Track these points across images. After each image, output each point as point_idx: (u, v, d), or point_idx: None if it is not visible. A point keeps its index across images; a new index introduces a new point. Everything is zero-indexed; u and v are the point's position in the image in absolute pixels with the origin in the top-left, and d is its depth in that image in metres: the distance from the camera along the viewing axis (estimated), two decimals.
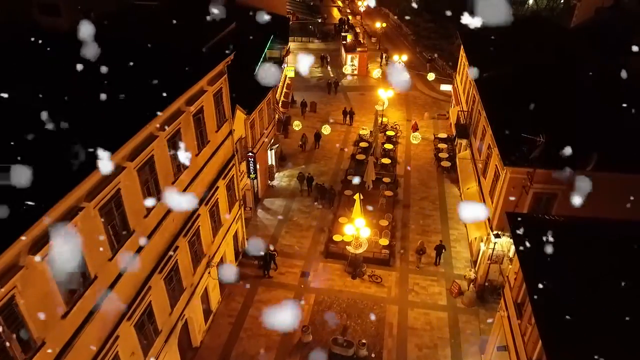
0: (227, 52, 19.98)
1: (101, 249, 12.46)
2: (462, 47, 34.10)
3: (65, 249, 10.87)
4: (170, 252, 16.22)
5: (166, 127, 15.20)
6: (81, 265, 11.71)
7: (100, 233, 12.36)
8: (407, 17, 60.78)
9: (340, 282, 23.47)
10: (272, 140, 30.67)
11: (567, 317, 11.94)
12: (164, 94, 15.03)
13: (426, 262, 24.73)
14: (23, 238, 9.48)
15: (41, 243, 10.13)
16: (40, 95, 13.01)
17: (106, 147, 11.84)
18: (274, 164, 31.54)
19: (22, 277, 9.71)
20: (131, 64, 16.12)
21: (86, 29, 14.12)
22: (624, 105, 20.41)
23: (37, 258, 10.00)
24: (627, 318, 11.91)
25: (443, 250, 24.61)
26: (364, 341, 19.84)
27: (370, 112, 40.83)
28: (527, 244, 14.42)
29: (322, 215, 28.19)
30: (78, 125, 11.85)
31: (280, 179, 31.67)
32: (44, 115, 11.45)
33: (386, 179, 30.67)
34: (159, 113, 14.34)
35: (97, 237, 12.28)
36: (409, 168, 32.82)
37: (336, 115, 39.92)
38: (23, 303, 9.89)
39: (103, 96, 12.96)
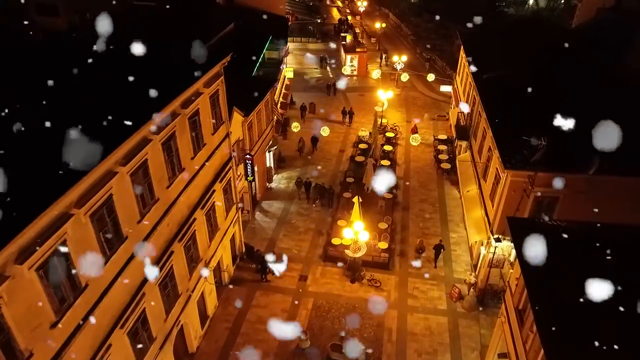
0: (224, 53, 19.73)
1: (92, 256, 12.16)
2: (462, 47, 33.84)
3: (54, 258, 10.60)
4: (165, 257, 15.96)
5: (160, 130, 14.92)
6: (71, 273, 11.41)
7: (91, 240, 12.06)
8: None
9: (339, 286, 23.17)
10: (271, 142, 30.38)
11: (570, 325, 11.66)
12: (158, 97, 14.74)
13: (425, 263, 24.51)
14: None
15: (28, 252, 9.83)
16: (30, 97, 12.76)
17: (97, 151, 11.58)
18: (272, 166, 31.26)
19: (8, 287, 9.43)
20: (125, 65, 15.86)
21: (81, 30, 13.93)
22: (627, 106, 20.14)
23: (25, 268, 9.71)
24: (632, 325, 11.63)
25: (442, 250, 24.43)
26: (362, 347, 19.54)
27: (370, 113, 40.53)
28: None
29: (320, 218, 27.90)
30: (67, 128, 11.55)
31: (279, 181, 31.38)
32: (32, 117, 11.18)
33: None
34: (152, 117, 14.03)
35: (88, 245, 11.97)
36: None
37: (335, 116, 39.82)
38: (9, 313, 9.60)
39: (93, 99, 12.68)
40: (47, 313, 10.73)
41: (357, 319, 21.29)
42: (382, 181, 24.51)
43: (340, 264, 23.94)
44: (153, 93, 14.17)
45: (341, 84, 42.38)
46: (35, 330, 10.40)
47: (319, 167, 32.49)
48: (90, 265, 11.46)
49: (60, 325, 11.10)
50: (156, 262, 15.51)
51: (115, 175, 12.72)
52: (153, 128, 14.30)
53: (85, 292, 11.96)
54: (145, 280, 14.84)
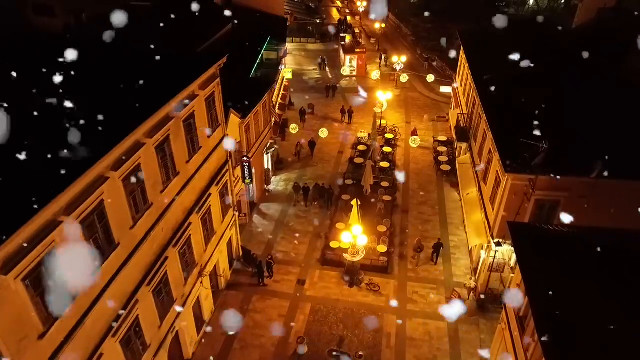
0: (220, 54, 19.42)
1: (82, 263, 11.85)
2: (461, 48, 33.52)
3: (42, 267, 10.30)
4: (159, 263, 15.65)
5: (154, 134, 14.62)
6: (60, 282, 11.10)
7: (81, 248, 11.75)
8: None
9: (337, 290, 22.85)
10: (269, 144, 30.07)
11: (573, 333, 11.36)
12: (152, 100, 14.45)
13: (424, 263, 24.28)
14: None
15: (14, 262, 9.52)
16: (22, 99, 12.47)
17: (87, 156, 11.29)
18: (270, 168, 30.94)
19: None
20: (119, 66, 15.58)
21: (76, 31, 13.65)
22: (629, 108, 19.88)
23: (10, 278, 9.40)
24: (636, 331, 11.35)
25: (441, 248, 24.21)
26: (361, 353, 19.24)
27: (369, 115, 40.26)
28: (530, 255, 13.88)
29: (319, 220, 27.58)
30: (57, 132, 11.26)
31: (277, 183, 31.08)
32: (21, 120, 10.87)
33: (385, 183, 30.09)
34: (145, 120, 13.73)
35: (78, 252, 11.66)
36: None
37: (335, 116, 39.60)
38: None
39: (85, 102, 12.38)
40: (34, 324, 10.42)
41: (356, 324, 20.98)
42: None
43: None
44: (147, 95, 13.89)
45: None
46: (22, 341, 10.09)
47: (318, 169, 32.11)
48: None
49: (48, 336, 10.80)
50: (150, 267, 15.21)
51: (107, 181, 12.41)
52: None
53: (76, 300, 11.65)
54: (138, 287, 14.55)
